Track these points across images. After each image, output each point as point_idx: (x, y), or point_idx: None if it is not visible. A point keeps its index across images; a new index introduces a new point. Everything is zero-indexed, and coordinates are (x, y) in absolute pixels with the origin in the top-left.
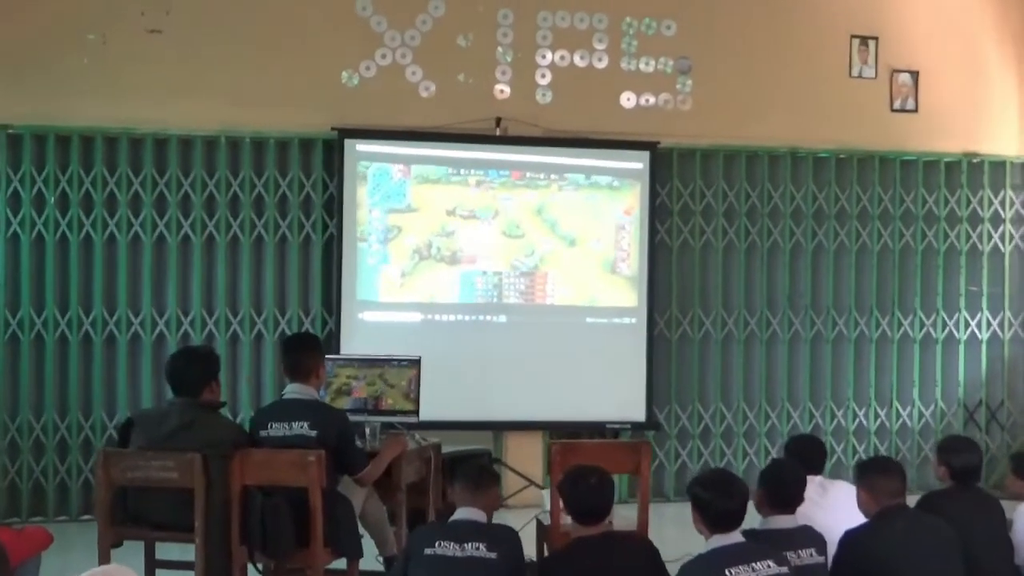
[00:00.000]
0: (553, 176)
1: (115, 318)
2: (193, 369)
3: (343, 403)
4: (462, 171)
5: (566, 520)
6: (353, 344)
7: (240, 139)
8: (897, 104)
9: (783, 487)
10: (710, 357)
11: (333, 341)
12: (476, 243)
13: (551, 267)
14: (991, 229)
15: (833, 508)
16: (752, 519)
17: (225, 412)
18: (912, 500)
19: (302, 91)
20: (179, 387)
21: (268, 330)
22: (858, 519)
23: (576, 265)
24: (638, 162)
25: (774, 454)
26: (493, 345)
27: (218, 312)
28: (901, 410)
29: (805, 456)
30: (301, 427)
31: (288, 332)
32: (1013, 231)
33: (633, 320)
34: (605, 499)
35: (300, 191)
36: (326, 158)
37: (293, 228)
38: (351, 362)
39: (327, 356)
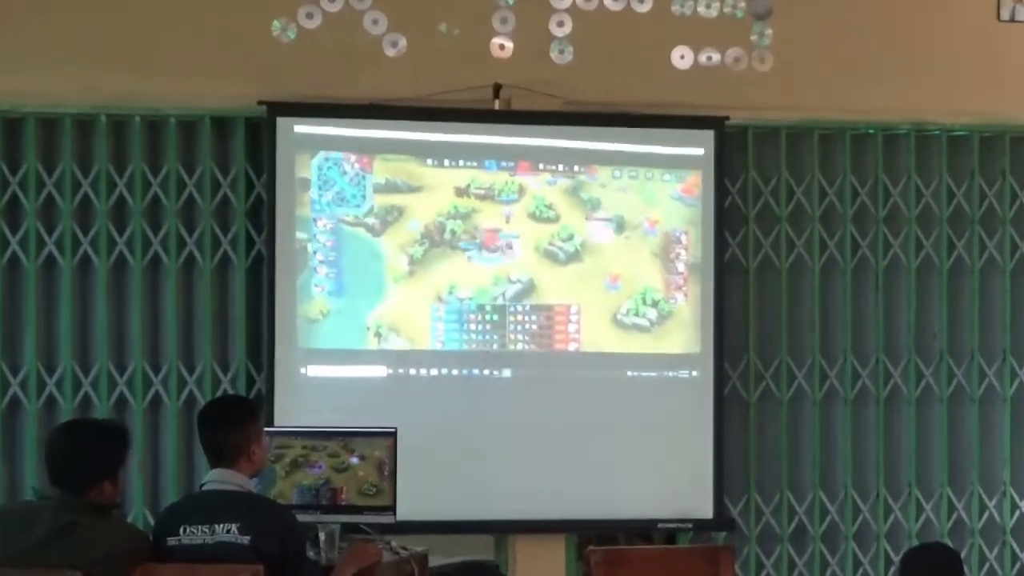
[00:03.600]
0: (577, 168)
1: None
2: (84, 453)
3: (300, 481)
4: (447, 161)
5: None
6: (294, 411)
7: (127, 119)
8: None
9: None
10: (805, 424)
11: (264, 408)
12: (463, 269)
13: (576, 294)
14: None
15: None
16: None
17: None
18: None
19: (215, 49)
20: (59, 476)
21: (168, 393)
22: None
23: (608, 296)
24: (697, 146)
25: (897, 565)
26: (494, 411)
27: (97, 366)
28: None
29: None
30: (228, 531)
31: (197, 393)
32: None
33: (694, 373)
34: None
35: (214, 192)
36: (250, 145)
37: (204, 245)
38: (293, 437)
39: (268, 430)
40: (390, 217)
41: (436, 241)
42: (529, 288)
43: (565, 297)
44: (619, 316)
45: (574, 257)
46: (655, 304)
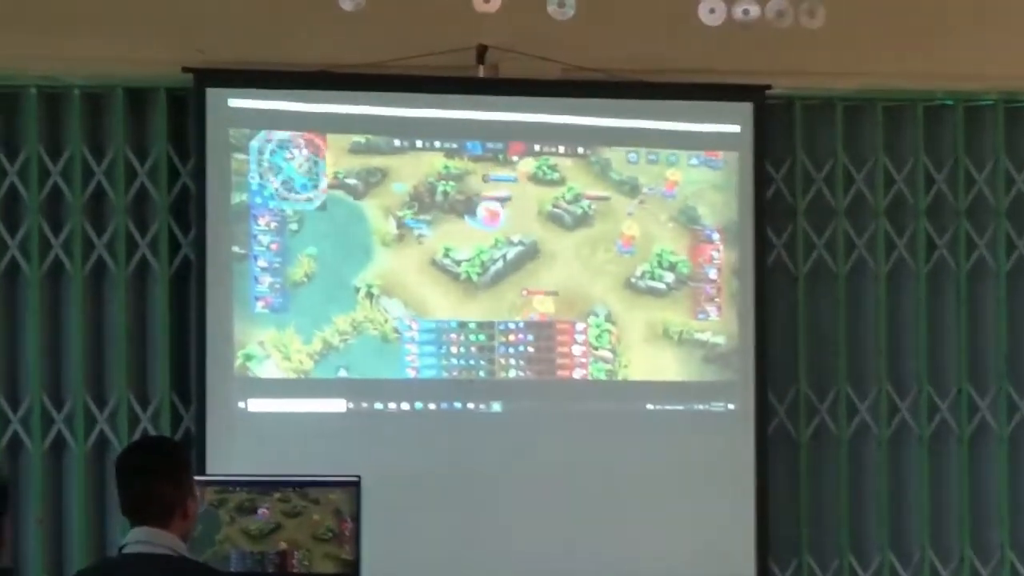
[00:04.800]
0: (581, 150)
1: None
2: None
3: (247, 527)
4: (419, 143)
5: None
6: (230, 457)
7: (18, 90)
8: None
9: None
10: (869, 469)
11: (195, 451)
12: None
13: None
14: None
15: None
16: None
17: None
18: None
19: (126, 3)
20: None
21: (74, 433)
22: None
23: (631, 309)
24: (732, 122)
25: None
26: (481, 454)
27: None
28: None
29: None
30: None
31: (110, 434)
32: None
33: (731, 406)
34: None
35: (128, 182)
36: (174, 122)
37: (117, 248)
38: (232, 488)
39: (197, 479)
40: (351, 212)
41: (410, 237)
42: (532, 251)
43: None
44: (633, 279)
45: (582, 221)
46: (672, 267)
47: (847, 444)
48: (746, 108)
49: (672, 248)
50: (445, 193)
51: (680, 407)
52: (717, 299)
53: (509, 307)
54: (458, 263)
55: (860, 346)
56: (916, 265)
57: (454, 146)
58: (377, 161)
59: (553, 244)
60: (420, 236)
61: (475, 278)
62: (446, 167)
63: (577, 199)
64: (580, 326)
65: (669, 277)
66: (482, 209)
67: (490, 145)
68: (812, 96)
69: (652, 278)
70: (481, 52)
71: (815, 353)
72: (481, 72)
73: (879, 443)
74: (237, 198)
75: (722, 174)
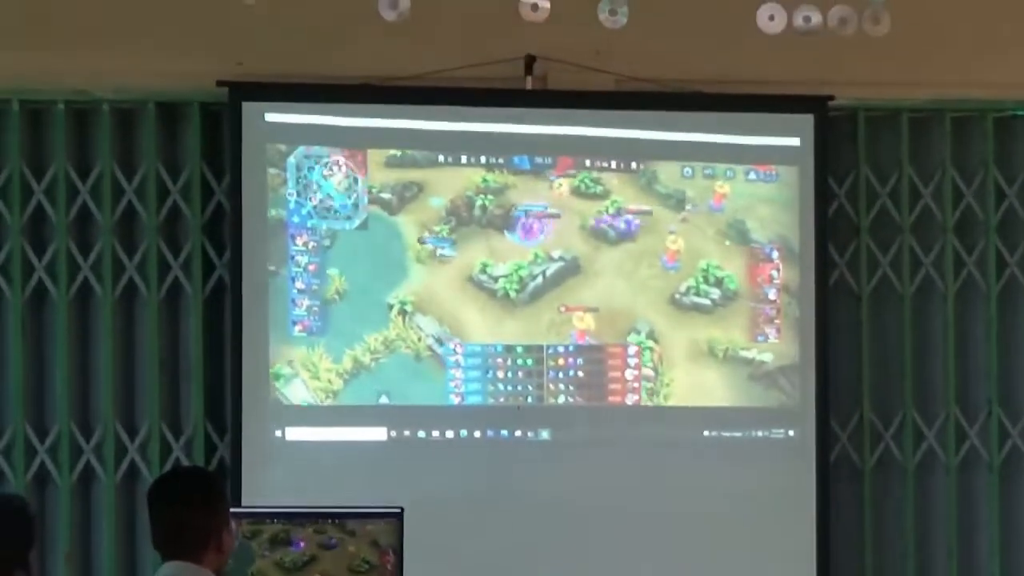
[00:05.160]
0: (635, 165)
1: None
2: None
3: (280, 559)
4: (465, 158)
5: None
6: (267, 485)
7: (47, 105)
8: None
9: None
10: (938, 499)
11: (229, 481)
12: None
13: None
14: None
15: None
16: None
17: None
18: None
19: (161, 15)
20: None
21: (103, 464)
22: None
23: (675, 328)
24: (792, 135)
25: None
26: (529, 484)
27: (10, 430)
28: None
29: None
30: None
31: (141, 464)
32: None
33: (791, 433)
34: None
35: (161, 201)
36: (208, 138)
37: (148, 270)
38: (269, 520)
39: (233, 511)
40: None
41: (450, 258)
42: (573, 267)
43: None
44: (677, 296)
45: (625, 235)
46: (719, 283)
47: (913, 472)
48: (807, 120)
49: (719, 263)
50: (484, 207)
51: (738, 434)
52: (776, 320)
53: (548, 324)
54: (495, 279)
55: (927, 369)
56: (986, 284)
57: (500, 161)
58: (414, 175)
59: (594, 259)
60: (456, 252)
61: (513, 295)
62: (484, 180)
63: (620, 213)
64: (632, 349)
65: (715, 293)
66: (521, 224)
67: (538, 160)
68: (877, 107)
69: (697, 294)
70: (529, 63)
71: (879, 376)
72: (529, 84)
73: (947, 471)
74: (274, 217)
75: (776, 187)
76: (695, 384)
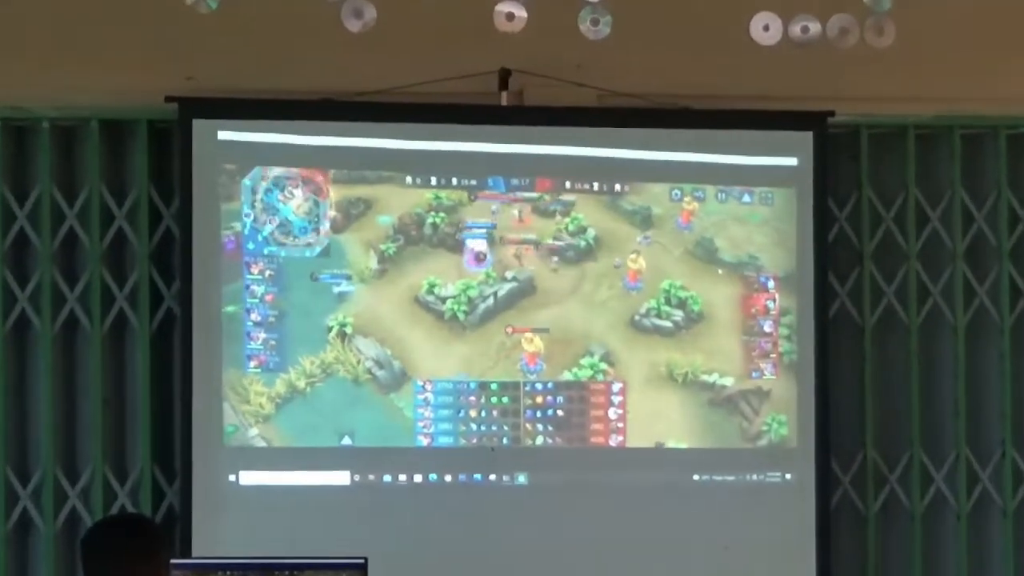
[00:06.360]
0: (618, 187)
1: None
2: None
3: None
4: (435, 180)
5: None
6: (219, 534)
7: None
8: None
9: None
10: (947, 546)
11: (179, 529)
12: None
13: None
14: None
15: None
16: None
17: None
18: None
19: (104, 26)
20: None
21: (42, 511)
22: None
23: (633, 349)
24: (789, 154)
25: None
26: (504, 532)
27: None
28: None
29: None
30: None
31: (83, 511)
32: None
33: (789, 476)
34: None
35: (105, 226)
36: (156, 159)
37: (91, 301)
38: (220, 572)
39: (174, 562)
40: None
41: (393, 272)
42: (528, 288)
43: (568, 299)
44: (637, 318)
45: (586, 255)
46: (681, 304)
47: (920, 519)
48: (805, 138)
49: (682, 283)
50: (434, 225)
51: (731, 477)
52: (772, 355)
53: (497, 348)
54: (443, 300)
55: (935, 406)
56: (999, 316)
57: (473, 182)
58: (361, 191)
59: (550, 279)
60: (402, 271)
61: (461, 317)
62: (437, 197)
63: (582, 231)
64: (616, 386)
65: (678, 315)
66: (472, 243)
67: (513, 181)
68: (881, 124)
69: (659, 316)
70: (504, 77)
71: (884, 415)
72: (504, 99)
73: (958, 517)
74: (227, 243)
75: (771, 211)
76: (653, 411)
